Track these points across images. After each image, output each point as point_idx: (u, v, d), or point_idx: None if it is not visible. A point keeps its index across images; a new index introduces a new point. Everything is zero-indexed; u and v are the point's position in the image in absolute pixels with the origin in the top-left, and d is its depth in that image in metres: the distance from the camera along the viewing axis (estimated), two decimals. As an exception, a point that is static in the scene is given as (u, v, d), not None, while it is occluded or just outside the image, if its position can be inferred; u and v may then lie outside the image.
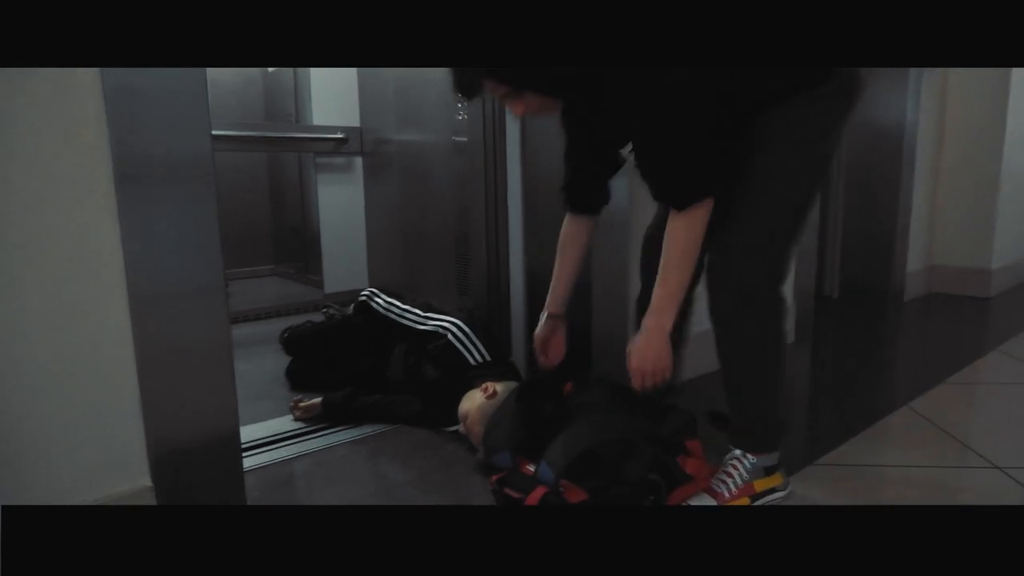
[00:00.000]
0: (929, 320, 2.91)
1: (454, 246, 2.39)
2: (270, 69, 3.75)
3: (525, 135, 1.93)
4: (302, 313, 3.01)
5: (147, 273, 1.04)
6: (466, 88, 1.12)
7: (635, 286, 1.79)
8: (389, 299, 1.85)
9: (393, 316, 1.78)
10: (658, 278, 1.16)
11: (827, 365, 2.31)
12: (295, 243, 3.83)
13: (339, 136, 2.99)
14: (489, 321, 2.02)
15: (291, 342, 2.08)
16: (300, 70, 3.30)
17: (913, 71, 2.87)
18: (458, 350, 1.59)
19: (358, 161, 3.13)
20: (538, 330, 1.44)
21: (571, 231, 1.39)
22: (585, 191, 1.37)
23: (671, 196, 1.14)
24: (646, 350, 1.15)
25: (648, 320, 1.16)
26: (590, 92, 1.14)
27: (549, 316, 1.43)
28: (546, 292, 1.43)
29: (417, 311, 1.75)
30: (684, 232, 1.13)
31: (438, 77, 2.33)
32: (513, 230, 2.00)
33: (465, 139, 2.20)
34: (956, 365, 2.11)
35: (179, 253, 1.06)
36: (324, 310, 2.60)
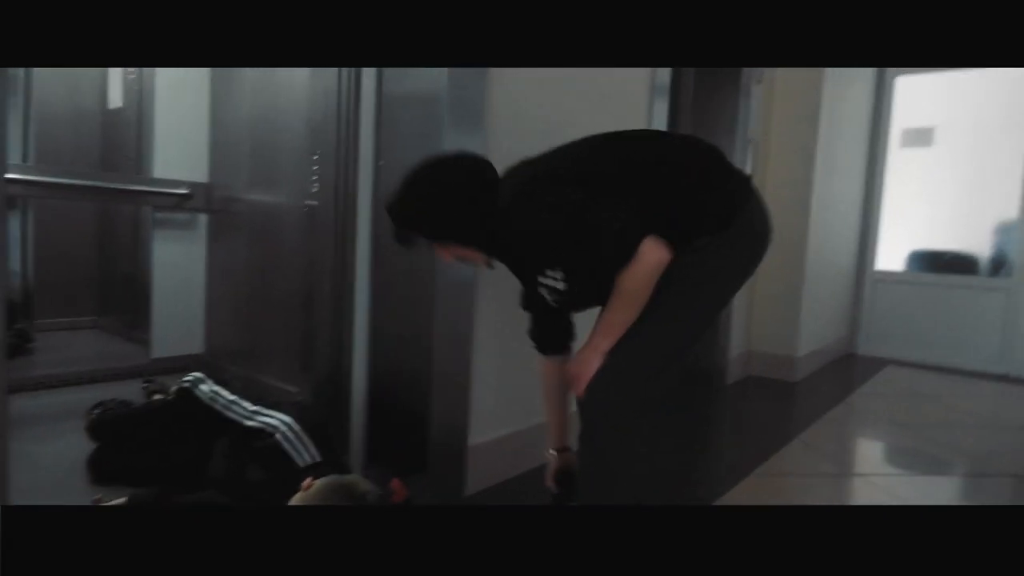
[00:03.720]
0: (746, 404, 3.21)
1: (299, 315, 2.31)
2: (111, 106, 3.47)
3: (377, 205, 1.92)
4: (121, 380, 2.74)
5: None
6: (402, 241, 1.30)
7: (477, 377, 1.83)
8: (215, 387, 1.73)
9: (218, 408, 1.67)
10: (608, 308, 1.21)
11: (654, 458, 2.45)
12: (123, 293, 3.50)
13: (183, 192, 2.81)
14: (327, 412, 1.95)
15: (100, 426, 1.87)
16: (144, 110, 3.07)
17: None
18: (286, 451, 1.51)
19: (203, 217, 2.95)
20: (551, 466, 1.53)
21: (548, 372, 1.50)
22: (549, 335, 1.47)
23: (613, 257, 1.16)
24: (581, 364, 1.25)
25: (593, 339, 1.24)
26: (496, 239, 1.26)
27: (557, 452, 1.52)
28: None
29: (245, 404, 1.65)
30: (640, 275, 1.15)
31: (296, 135, 2.28)
32: (360, 302, 1.96)
33: (316, 203, 2.16)
34: (763, 454, 2.34)
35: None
36: (145, 386, 2.38)
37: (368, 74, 1.87)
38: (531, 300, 1.43)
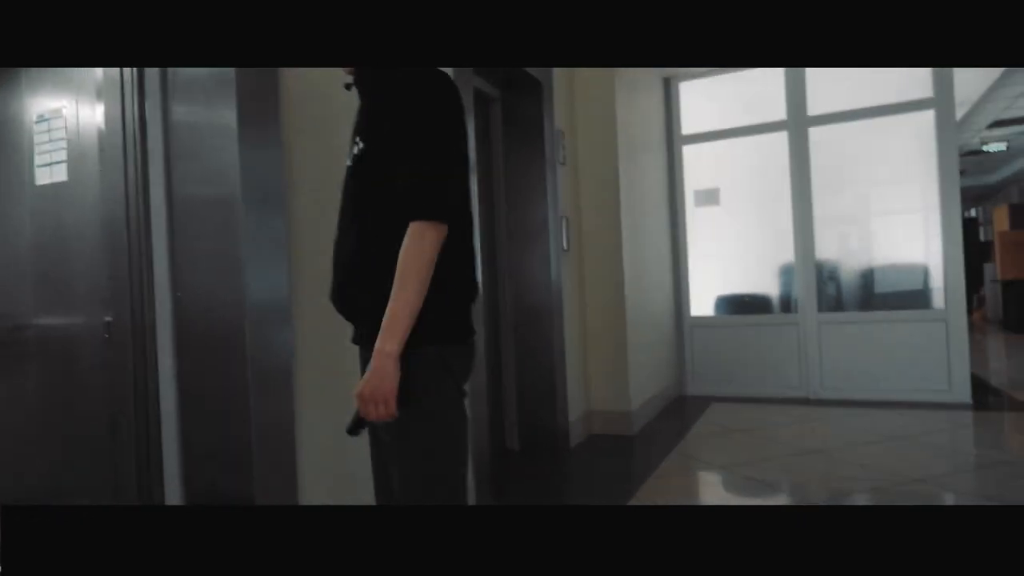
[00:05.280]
0: (589, 464, 3.34)
1: (107, 438, 2.11)
2: None
3: (177, 309, 1.82)
4: None
5: None
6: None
7: (305, 486, 1.77)
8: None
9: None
10: (393, 298, 1.11)
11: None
12: None
13: (-50, 325, 2.48)
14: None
15: None
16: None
17: (553, 256, 3.47)
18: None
19: (-21, 351, 2.61)
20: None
21: None
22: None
23: (419, 197, 1.12)
24: (370, 376, 1.09)
25: (377, 343, 1.10)
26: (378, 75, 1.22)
27: None
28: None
29: None
30: (416, 249, 1.10)
31: (87, 248, 2.14)
32: (167, 418, 1.83)
33: (112, 318, 2.03)
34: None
35: None
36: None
37: (156, 179, 1.81)
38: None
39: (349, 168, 1.26)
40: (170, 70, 1.77)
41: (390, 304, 1.11)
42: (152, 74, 1.79)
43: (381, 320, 1.11)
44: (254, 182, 1.70)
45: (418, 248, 1.10)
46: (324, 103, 1.93)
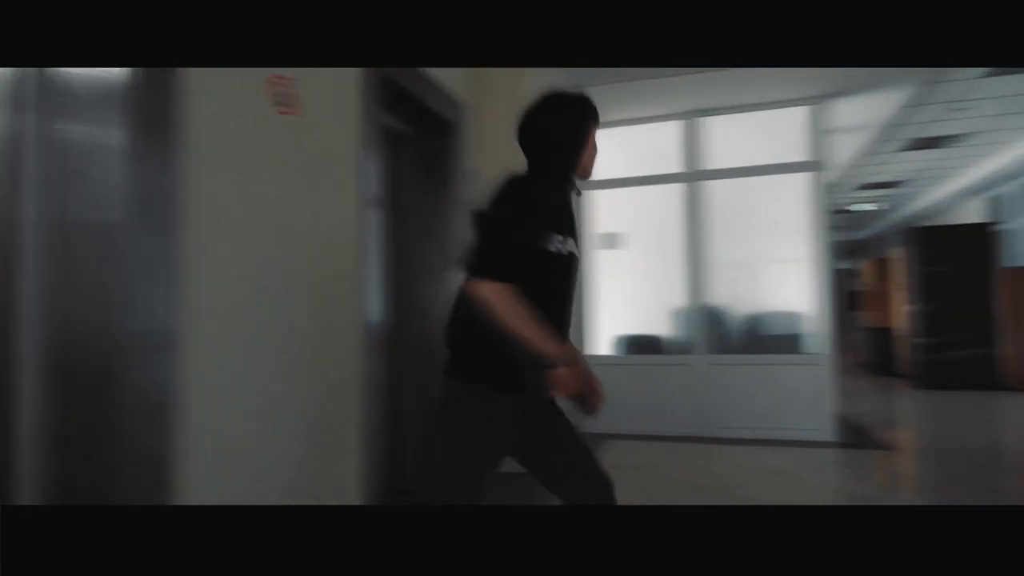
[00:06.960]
0: (488, 501, 3.32)
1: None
2: None
3: (47, 347, 1.67)
4: None
5: None
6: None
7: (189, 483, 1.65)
8: None
9: None
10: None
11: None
12: None
13: None
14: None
15: None
16: None
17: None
18: None
19: None
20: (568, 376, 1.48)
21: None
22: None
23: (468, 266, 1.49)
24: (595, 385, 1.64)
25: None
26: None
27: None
28: None
29: None
30: (486, 304, 1.44)
31: None
32: (27, 450, 1.66)
33: None
34: None
35: None
36: None
37: (28, 202, 1.68)
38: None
39: (575, 259, 1.67)
40: (48, 83, 1.66)
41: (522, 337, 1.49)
42: (28, 88, 1.67)
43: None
44: (143, 207, 1.62)
45: (489, 304, 1.49)
46: (233, 127, 1.87)
